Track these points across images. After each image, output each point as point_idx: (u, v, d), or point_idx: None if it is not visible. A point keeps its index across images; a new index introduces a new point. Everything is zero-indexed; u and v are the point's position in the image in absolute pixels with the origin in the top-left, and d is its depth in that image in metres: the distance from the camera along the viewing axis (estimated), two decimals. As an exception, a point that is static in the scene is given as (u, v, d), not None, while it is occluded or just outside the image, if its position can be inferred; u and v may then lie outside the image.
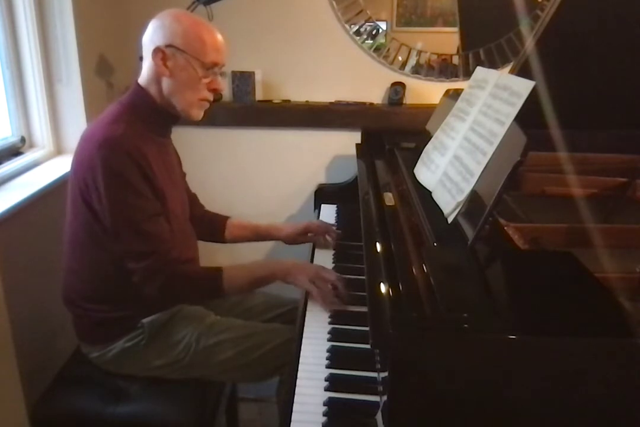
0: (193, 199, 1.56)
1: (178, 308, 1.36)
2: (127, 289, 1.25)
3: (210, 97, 1.29)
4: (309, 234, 1.61)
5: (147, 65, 1.26)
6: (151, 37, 1.24)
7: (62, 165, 1.71)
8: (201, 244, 1.50)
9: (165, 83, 1.25)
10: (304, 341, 1.12)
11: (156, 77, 1.25)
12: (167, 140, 1.39)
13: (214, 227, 1.60)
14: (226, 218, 1.62)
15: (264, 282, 1.32)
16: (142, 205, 1.19)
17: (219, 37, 1.27)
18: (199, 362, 1.31)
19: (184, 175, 1.52)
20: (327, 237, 1.60)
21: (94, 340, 1.33)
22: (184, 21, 1.23)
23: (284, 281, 1.30)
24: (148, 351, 1.31)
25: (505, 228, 1.07)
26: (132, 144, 1.18)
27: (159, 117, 1.30)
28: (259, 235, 1.64)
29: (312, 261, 1.52)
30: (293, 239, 1.62)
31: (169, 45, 1.22)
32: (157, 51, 1.22)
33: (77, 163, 1.23)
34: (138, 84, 1.28)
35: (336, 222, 1.81)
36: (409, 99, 2.03)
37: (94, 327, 1.32)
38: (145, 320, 1.30)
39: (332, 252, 1.56)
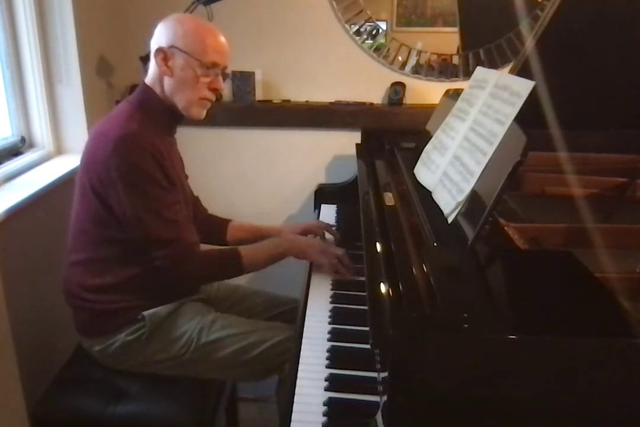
0: (195, 202, 1.58)
1: (179, 303, 1.37)
2: (129, 280, 1.29)
3: (212, 96, 1.33)
4: (308, 235, 1.61)
5: (152, 66, 1.31)
6: (157, 39, 1.29)
7: (62, 165, 1.71)
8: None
9: (167, 82, 1.30)
10: (304, 341, 1.12)
11: (159, 77, 1.30)
12: (174, 140, 1.43)
13: (216, 230, 1.62)
14: (227, 221, 1.64)
15: (277, 259, 1.40)
16: (162, 195, 1.25)
17: (222, 39, 1.31)
18: (200, 358, 1.32)
19: (186, 177, 1.52)
20: (327, 235, 1.60)
21: (94, 332, 1.33)
22: (187, 24, 1.29)
23: (296, 257, 1.41)
24: (149, 345, 1.31)
25: (505, 228, 1.07)
26: (148, 140, 1.24)
27: (166, 115, 1.34)
28: (258, 236, 1.64)
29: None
30: None
31: (170, 46, 1.27)
32: (158, 51, 1.27)
33: (89, 158, 1.27)
34: (145, 84, 1.32)
35: (336, 222, 1.81)
36: (409, 99, 2.02)
37: (94, 318, 1.32)
38: (146, 312, 1.30)
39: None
